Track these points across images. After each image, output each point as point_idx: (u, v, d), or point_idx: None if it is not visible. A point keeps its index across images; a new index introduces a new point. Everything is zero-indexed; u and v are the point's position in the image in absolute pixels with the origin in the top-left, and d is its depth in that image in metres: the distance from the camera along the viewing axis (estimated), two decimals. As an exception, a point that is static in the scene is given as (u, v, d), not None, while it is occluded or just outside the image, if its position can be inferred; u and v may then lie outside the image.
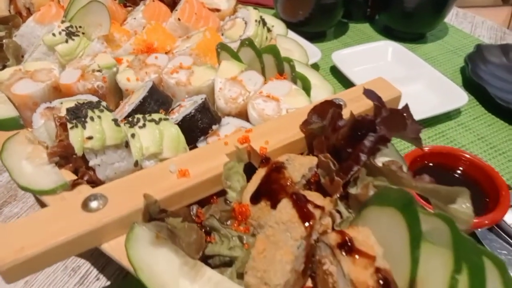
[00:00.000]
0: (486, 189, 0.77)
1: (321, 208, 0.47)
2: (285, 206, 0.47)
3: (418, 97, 1.11)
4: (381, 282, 0.39)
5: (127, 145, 0.60)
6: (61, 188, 0.56)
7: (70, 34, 0.82)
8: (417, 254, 0.40)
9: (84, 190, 0.56)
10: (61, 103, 0.73)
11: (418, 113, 1.00)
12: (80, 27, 0.86)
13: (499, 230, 0.78)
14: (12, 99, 0.73)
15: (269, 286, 0.44)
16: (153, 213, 0.51)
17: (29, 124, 0.72)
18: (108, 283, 0.73)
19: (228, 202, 0.57)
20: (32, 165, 0.61)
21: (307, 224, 0.45)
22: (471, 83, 1.16)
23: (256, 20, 0.91)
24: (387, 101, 0.69)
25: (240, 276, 0.49)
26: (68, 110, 0.60)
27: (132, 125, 0.59)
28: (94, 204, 0.50)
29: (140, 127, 0.59)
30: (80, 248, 0.49)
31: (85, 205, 0.50)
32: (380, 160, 0.52)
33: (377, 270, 0.40)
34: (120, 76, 0.78)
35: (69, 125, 0.58)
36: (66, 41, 0.82)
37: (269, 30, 0.95)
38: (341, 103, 0.63)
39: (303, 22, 1.33)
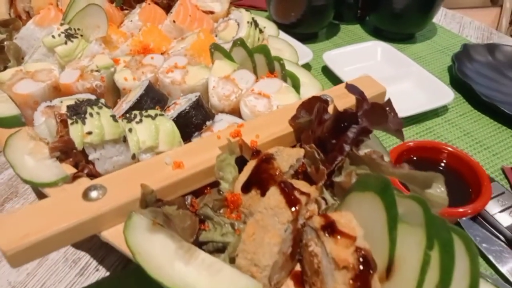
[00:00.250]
0: (468, 181, 0.80)
1: (307, 194, 0.50)
2: (273, 193, 0.51)
3: (407, 95, 1.15)
4: (361, 259, 0.42)
5: (125, 140, 0.63)
6: (62, 180, 0.59)
7: (69, 36, 0.86)
8: (394, 234, 0.44)
9: (84, 182, 0.59)
10: (61, 101, 0.75)
11: (407, 110, 1.04)
12: (78, 29, 0.89)
13: (482, 221, 0.82)
14: (14, 98, 0.76)
15: (259, 267, 0.48)
16: (150, 202, 0.54)
17: (30, 122, 0.75)
18: (107, 273, 0.76)
19: (221, 192, 0.60)
20: (34, 159, 0.64)
21: (293, 209, 0.48)
22: (458, 81, 1.20)
23: (248, 22, 0.95)
24: (373, 97, 0.73)
25: (233, 260, 0.52)
26: (68, 107, 0.64)
27: (129, 120, 0.62)
28: (94, 194, 0.53)
29: (137, 122, 0.62)
30: (81, 235, 0.52)
31: (85, 195, 0.53)
32: (364, 151, 0.55)
33: (357, 249, 0.43)
34: (118, 76, 0.81)
35: (69, 121, 0.61)
36: (65, 43, 0.85)
37: (261, 31, 0.98)
38: (328, 99, 0.67)
39: (296, 24, 1.37)
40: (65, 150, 0.63)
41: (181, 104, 0.74)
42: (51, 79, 0.79)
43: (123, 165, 0.65)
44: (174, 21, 0.94)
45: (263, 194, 0.54)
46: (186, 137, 0.70)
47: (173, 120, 0.65)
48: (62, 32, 0.85)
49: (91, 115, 0.62)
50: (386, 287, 0.44)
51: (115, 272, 0.75)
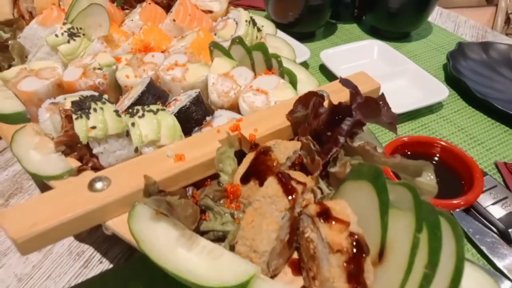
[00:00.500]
0: (461, 174, 0.83)
1: (303, 184, 0.53)
2: (271, 182, 0.53)
3: (403, 92, 1.17)
4: (354, 243, 0.45)
5: (127, 134, 0.66)
6: (68, 173, 0.62)
7: (72, 35, 0.88)
8: (386, 219, 0.46)
9: (89, 175, 0.61)
10: (65, 98, 0.78)
11: (402, 107, 1.06)
12: (80, 28, 0.92)
13: (475, 213, 0.84)
14: (19, 95, 0.78)
15: (257, 253, 0.50)
16: (153, 193, 0.57)
17: (35, 118, 0.77)
18: (111, 266, 0.78)
19: (220, 184, 0.62)
20: (39, 154, 0.66)
21: (290, 197, 0.51)
22: (453, 78, 1.23)
23: (246, 21, 0.97)
24: (367, 92, 0.76)
25: (233, 248, 0.54)
26: (73, 102, 0.66)
27: (132, 115, 0.64)
28: (99, 185, 0.56)
29: (140, 117, 0.64)
30: (87, 224, 0.54)
31: (90, 186, 0.56)
32: (358, 143, 0.57)
33: (351, 234, 0.45)
34: (120, 74, 0.83)
35: (74, 116, 0.64)
36: (68, 42, 0.87)
37: (259, 30, 1.01)
38: (323, 94, 0.69)
39: (293, 23, 1.39)
40: (70, 144, 0.65)
41: (181, 100, 0.77)
42: (54, 76, 0.82)
43: (126, 158, 0.67)
44: (174, 20, 0.97)
45: (261, 184, 0.56)
46: (187, 132, 0.72)
47: (174, 115, 0.67)
48: (65, 31, 0.87)
49: (95, 110, 0.64)
50: (379, 270, 0.46)
51: (118, 264, 0.78)
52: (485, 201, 0.84)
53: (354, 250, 0.44)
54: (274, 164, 0.57)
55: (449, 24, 1.57)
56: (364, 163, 0.52)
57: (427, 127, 1.09)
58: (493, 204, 0.84)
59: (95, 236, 0.82)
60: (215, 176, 0.64)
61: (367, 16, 1.52)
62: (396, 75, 1.21)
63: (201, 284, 0.46)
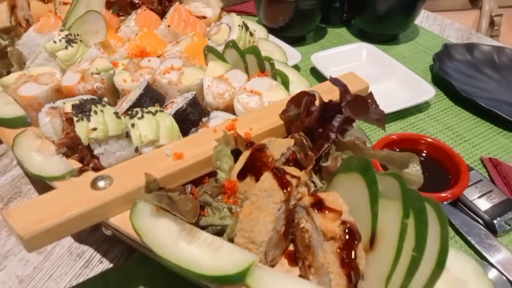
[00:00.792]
0: (448, 168, 0.86)
1: (297, 178, 0.56)
2: (267, 177, 0.56)
3: (391, 92, 1.21)
4: (346, 231, 0.47)
5: (127, 135, 0.68)
6: (70, 174, 0.64)
7: (69, 41, 0.90)
8: (376, 208, 0.49)
9: (90, 175, 0.63)
10: (64, 103, 0.80)
11: (391, 106, 1.10)
12: (77, 35, 0.94)
13: (463, 206, 0.87)
14: (18, 100, 0.81)
15: (255, 244, 0.52)
16: (153, 191, 0.59)
17: (35, 122, 0.79)
18: (111, 265, 0.79)
19: (218, 181, 0.65)
20: (41, 156, 0.68)
21: (285, 190, 0.53)
22: (439, 78, 1.27)
23: (239, 25, 1.00)
24: (356, 91, 0.79)
25: (231, 241, 0.56)
26: (73, 105, 0.68)
27: (131, 117, 0.67)
28: (101, 183, 0.58)
29: (139, 118, 0.66)
30: (91, 221, 0.56)
31: (93, 185, 0.58)
32: (348, 138, 0.60)
33: (343, 222, 0.48)
34: (117, 78, 0.86)
35: (75, 119, 0.66)
36: (66, 48, 0.89)
37: (251, 34, 1.04)
38: (315, 94, 0.72)
39: (284, 28, 1.43)
40: (71, 146, 0.67)
41: (178, 102, 0.79)
42: (53, 82, 0.84)
43: (125, 159, 0.69)
44: (169, 26, 0.99)
45: (257, 180, 0.59)
46: (184, 132, 0.74)
47: (172, 116, 0.70)
48: (63, 38, 0.89)
49: (95, 112, 0.66)
50: (370, 256, 0.49)
51: (118, 264, 0.79)
52: (471, 194, 0.87)
53: (347, 237, 0.47)
54: (269, 160, 0.60)
55: (435, 27, 1.62)
56: (354, 156, 0.55)
57: (415, 126, 1.12)
58: (479, 197, 0.87)
59: (95, 237, 0.84)
60: (213, 174, 0.67)
61: (355, 20, 1.56)
62: (385, 76, 1.25)
63: (203, 274, 0.48)
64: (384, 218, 0.48)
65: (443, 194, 0.79)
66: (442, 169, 0.87)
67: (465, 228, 0.83)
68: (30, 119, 0.79)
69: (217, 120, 0.79)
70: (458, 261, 0.50)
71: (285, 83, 0.84)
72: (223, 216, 0.59)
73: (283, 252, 0.59)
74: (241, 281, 0.48)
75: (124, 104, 0.79)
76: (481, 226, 0.83)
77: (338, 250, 0.47)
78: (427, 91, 1.16)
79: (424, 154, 0.90)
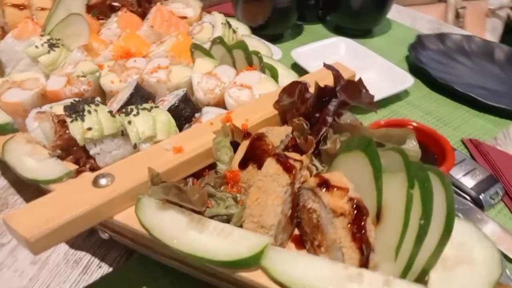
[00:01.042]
0: (434, 150, 0.89)
1: (300, 161, 0.57)
2: (270, 163, 0.57)
3: (371, 83, 1.21)
4: (354, 206, 0.49)
5: (123, 134, 0.67)
6: (67, 176, 0.63)
7: (52, 45, 0.88)
8: (380, 183, 0.50)
9: (88, 176, 0.62)
10: (51, 107, 0.78)
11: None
12: (58, 39, 0.92)
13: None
14: (3, 107, 0.78)
15: (265, 228, 0.53)
16: (156, 185, 0.59)
17: (22, 128, 0.77)
18: (110, 269, 0.78)
19: (218, 173, 0.65)
20: (35, 160, 0.67)
21: (290, 173, 0.54)
22: (415, 68, 1.32)
23: (222, 23, 1.01)
24: (349, 78, 0.81)
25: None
26: (65, 107, 0.67)
27: (127, 114, 0.66)
28: (103, 181, 0.57)
29: (135, 115, 0.66)
30: (96, 219, 0.55)
31: (95, 183, 0.57)
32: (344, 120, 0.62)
33: (351, 198, 0.50)
34: (104, 80, 0.85)
35: (69, 119, 0.65)
36: (48, 52, 0.88)
37: (234, 32, 1.05)
38: (306, 83, 0.74)
39: (263, 26, 1.45)
40: (66, 148, 0.66)
41: (169, 100, 0.79)
42: (38, 87, 0.82)
43: (122, 157, 0.68)
44: (152, 26, 0.99)
45: (259, 167, 0.60)
46: (178, 129, 0.74)
47: (168, 111, 0.70)
48: (45, 42, 0.87)
49: (89, 112, 0.65)
50: (378, 230, 0.50)
51: (118, 267, 0.78)
52: (457, 173, 0.91)
53: (355, 212, 0.49)
54: (270, 148, 0.61)
55: (407, 20, 1.68)
56: (354, 136, 0.56)
57: (397, 113, 1.16)
58: (464, 175, 0.91)
59: (91, 241, 0.82)
60: (212, 166, 0.67)
61: (331, 16, 1.60)
62: (364, 68, 1.28)
63: (218, 260, 0.48)
64: (389, 191, 0.50)
65: (432, 174, 0.82)
66: (428, 151, 0.90)
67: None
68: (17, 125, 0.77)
69: (209, 115, 0.79)
70: (459, 227, 0.52)
71: (274, 75, 0.85)
72: (228, 205, 0.59)
73: (290, 236, 0.60)
74: (256, 263, 0.48)
75: (115, 104, 0.78)
76: (469, 202, 0.87)
77: (349, 225, 0.48)
78: (406, 80, 1.20)
79: (411, 137, 0.93)
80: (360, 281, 0.45)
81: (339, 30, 1.58)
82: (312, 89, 0.68)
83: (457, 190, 0.89)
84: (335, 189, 0.50)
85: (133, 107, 0.68)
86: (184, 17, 1.10)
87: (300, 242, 0.59)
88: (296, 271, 0.47)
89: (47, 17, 0.93)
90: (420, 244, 0.46)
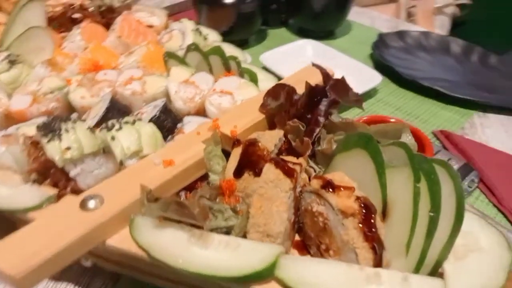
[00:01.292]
0: (413, 142, 0.92)
1: (299, 164, 0.55)
2: (269, 168, 0.55)
3: (341, 82, 1.26)
4: (362, 205, 0.48)
5: (104, 151, 0.63)
6: (47, 201, 0.57)
7: (12, 62, 0.82)
8: (384, 179, 0.50)
9: (73, 199, 0.57)
10: (18, 128, 0.72)
11: (345, 95, 1.15)
12: (18, 55, 0.86)
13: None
14: (-38, 133, 0.71)
15: (272, 236, 0.51)
16: (149, 203, 0.55)
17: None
18: (99, 295, 0.73)
19: (210, 183, 0.63)
20: (7, 188, 0.61)
21: (291, 177, 0.53)
22: (380, 65, 1.35)
23: (192, 30, 0.99)
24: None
25: (242, 240, 0.54)
26: (39, 126, 0.62)
27: (108, 129, 0.62)
28: (91, 203, 0.53)
29: (117, 130, 0.62)
30: (87, 246, 0.51)
31: (83, 206, 0.53)
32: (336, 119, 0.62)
33: (358, 197, 0.49)
34: (74, 95, 0.79)
35: (44, 140, 0.59)
36: (8, 70, 0.81)
37: (205, 38, 1.03)
38: (289, 85, 0.73)
39: (227, 32, 1.43)
40: (43, 171, 0.61)
41: (147, 112, 0.75)
42: (1, 107, 0.75)
43: (105, 177, 0.64)
44: (120, 37, 0.95)
45: (256, 174, 0.58)
46: (161, 141, 0.71)
47: (152, 123, 0.66)
48: (3, 59, 0.81)
49: (66, 130, 0.61)
50: (386, 227, 0.50)
51: (107, 292, 0.73)
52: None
53: (364, 211, 0.48)
54: (265, 153, 0.59)
55: (366, 20, 1.73)
56: (351, 134, 0.56)
57: (369, 110, 1.18)
58: (442, 166, 0.94)
59: (72, 271, 0.76)
60: (203, 178, 0.64)
61: (294, 20, 1.61)
62: (332, 67, 1.30)
63: (229, 276, 0.46)
64: (393, 187, 0.50)
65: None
66: (408, 144, 0.92)
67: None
68: (-20, 152, 0.70)
69: (192, 125, 0.76)
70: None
71: (254, 79, 0.84)
72: (227, 217, 0.56)
73: (292, 242, 0.58)
74: (270, 275, 0.46)
75: (89, 121, 0.73)
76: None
77: (360, 225, 0.47)
78: (374, 78, 1.23)
79: (390, 133, 0.95)
80: (378, 281, 0.44)
81: (302, 33, 1.59)
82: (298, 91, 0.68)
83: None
84: (341, 189, 0.49)
85: (114, 121, 0.64)
86: (151, 26, 1.06)
87: (303, 248, 0.58)
88: (312, 277, 0.45)
89: (3, 32, 0.86)
90: (431, 236, 0.46)
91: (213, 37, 1.07)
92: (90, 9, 1.02)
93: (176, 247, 0.50)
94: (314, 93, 0.61)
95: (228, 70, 0.85)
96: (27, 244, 0.48)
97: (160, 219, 0.53)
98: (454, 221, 0.45)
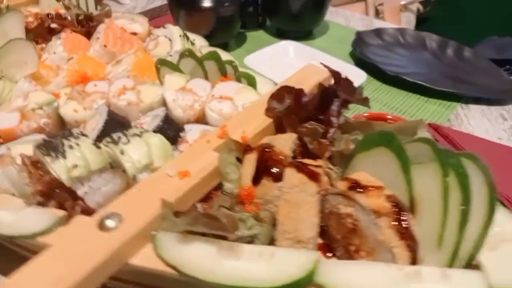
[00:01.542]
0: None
1: (320, 166, 0.55)
2: (291, 173, 0.54)
3: (327, 82, 1.27)
4: (393, 203, 0.48)
5: (112, 166, 0.60)
6: (58, 224, 0.53)
7: (-8, 78, 0.76)
8: (409, 176, 0.50)
9: (86, 220, 0.53)
10: (9, 148, 0.67)
11: (333, 94, 1.16)
12: (-2, 70, 0.80)
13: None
14: None
15: (303, 242, 0.50)
16: (168, 217, 0.53)
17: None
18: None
19: (226, 192, 0.61)
20: (9, 213, 0.56)
21: (316, 181, 0.52)
22: (361, 63, 1.37)
23: (180, 35, 0.96)
24: (322, 80, 0.81)
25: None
26: (40, 145, 0.58)
27: (116, 143, 0.59)
28: (110, 223, 0.50)
29: (125, 143, 0.59)
30: (111, 269, 0.48)
31: (101, 226, 0.49)
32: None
33: (388, 196, 0.49)
34: (65, 109, 0.75)
35: (48, 159, 0.56)
36: (-10, 86, 0.76)
37: (192, 44, 1.00)
38: (294, 87, 0.72)
39: (207, 36, 1.40)
40: (47, 192, 0.57)
41: (147, 122, 0.73)
42: (-14, 127, 0.70)
43: (113, 194, 0.61)
44: (105, 46, 0.90)
45: (275, 179, 0.57)
46: (166, 152, 0.68)
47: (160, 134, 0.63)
48: (-17, 75, 0.75)
49: (70, 147, 0.57)
50: (415, 223, 0.50)
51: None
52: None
53: (397, 209, 0.48)
54: (282, 158, 0.58)
55: (341, 19, 1.75)
56: (371, 133, 0.56)
57: (358, 108, 1.20)
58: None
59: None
60: (217, 187, 0.62)
61: (272, 21, 1.61)
62: (316, 68, 1.31)
63: (268, 287, 0.44)
64: (420, 183, 0.50)
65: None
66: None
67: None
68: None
69: (193, 133, 0.74)
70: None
71: (252, 83, 0.83)
72: (251, 225, 0.55)
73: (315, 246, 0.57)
74: (310, 282, 0.45)
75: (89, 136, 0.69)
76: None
77: (394, 224, 0.47)
78: (359, 76, 1.25)
79: (386, 129, 0.96)
80: (419, 279, 0.44)
81: (281, 34, 1.60)
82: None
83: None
84: (371, 189, 0.49)
85: (120, 134, 0.61)
86: (134, 33, 1.03)
87: (326, 251, 0.57)
88: (353, 280, 0.45)
89: (-21, 46, 0.80)
90: (463, 230, 0.47)
91: (199, 42, 1.05)
92: (69, 18, 0.97)
93: (207, 260, 0.48)
94: (327, 94, 0.61)
95: (224, 75, 0.83)
96: (48, 271, 0.44)
97: (183, 233, 0.50)
98: (487, 212, 0.46)
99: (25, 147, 0.66)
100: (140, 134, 0.61)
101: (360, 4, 2.33)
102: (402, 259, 0.47)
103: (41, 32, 0.94)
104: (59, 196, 0.58)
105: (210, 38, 1.41)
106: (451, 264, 0.47)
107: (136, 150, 0.58)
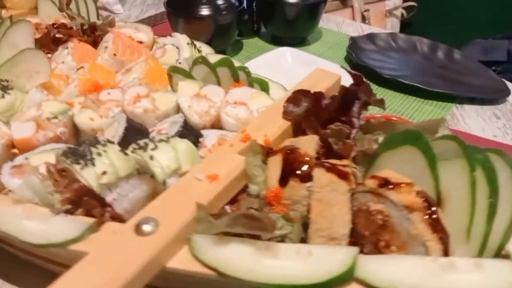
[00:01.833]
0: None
1: (347, 165, 0.57)
2: (320, 173, 0.55)
3: (327, 86, 1.30)
4: (424, 198, 0.50)
5: (139, 172, 0.60)
6: (89, 231, 0.53)
7: (4, 88, 0.75)
8: (436, 173, 0.52)
9: (119, 226, 0.53)
10: (27, 158, 0.67)
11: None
12: (7, 80, 0.79)
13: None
14: (-37, 169, 0.64)
15: (336, 239, 0.52)
16: (203, 220, 0.53)
17: (-5, 189, 0.64)
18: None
19: (251, 194, 0.62)
20: (37, 222, 0.56)
21: (346, 179, 0.54)
22: (357, 68, 1.41)
23: (188, 43, 0.97)
24: (333, 84, 0.84)
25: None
26: (65, 153, 0.57)
27: (144, 149, 0.59)
28: (147, 227, 0.50)
29: (153, 149, 0.59)
30: (151, 272, 0.48)
31: (138, 231, 0.50)
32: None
33: (417, 192, 0.51)
34: (81, 118, 0.75)
35: (77, 167, 0.56)
36: (3, 96, 0.75)
37: (199, 51, 1.01)
38: (309, 90, 0.74)
39: (205, 44, 1.42)
40: (76, 200, 0.57)
41: (165, 129, 0.73)
42: (3, 137, 0.69)
43: (140, 200, 0.61)
44: (115, 55, 0.91)
45: (303, 180, 0.58)
46: (187, 158, 0.69)
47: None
48: (-4, 86, 0.74)
49: (98, 154, 0.57)
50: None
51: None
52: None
53: (427, 204, 0.50)
54: (307, 159, 0.60)
55: (333, 26, 1.79)
56: (395, 132, 0.58)
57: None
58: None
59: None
60: (242, 190, 0.63)
61: (267, 28, 1.64)
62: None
63: (310, 283, 0.45)
64: (446, 179, 0.52)
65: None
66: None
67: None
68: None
69: (211, 138, 0.75)
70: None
71: (265, 88, 0.84)
72: (281, 225, 0.56)
73: (343, 243, 0.59)
74: (351, 277, 0.46)
75: (107, 143, 0.69)
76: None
77: (426, 218, 0.49)
78: (357, 79, 1.28)
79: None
80: (453, 270, 0.46)
81: (276, 41, 1.62)
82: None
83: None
84: (401, 186, 0.51)
85: (146, 141, 0.61)
86: (140, 42, 1.03)
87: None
88: (391, 273, 0.46)
89: (-12, 56, 0.79)
90: (492, 221, 0.49)
91: (206, 50, 1.06)
92: (74, 28, 0.97)
93: (246, 260, 0.49)
94: (348, 96, 0.63)
95: (237, 80, 0.84)
96: (90, 279, 0.44)
97: (220, 235, 0.51)
98: (514, 205, 0.48)
99: (45, 156, 0.66)
100: (167, 139, 0.61)
101: (347, 10, 2.38)
102: (435, 251, 0.48)
103: (47, 42, 0.93)
104: (88, 203, 0.58)
105: (208, 45, 1.43)
106: (480, 255, 0.50)
107: (165, 155, 0.59)
